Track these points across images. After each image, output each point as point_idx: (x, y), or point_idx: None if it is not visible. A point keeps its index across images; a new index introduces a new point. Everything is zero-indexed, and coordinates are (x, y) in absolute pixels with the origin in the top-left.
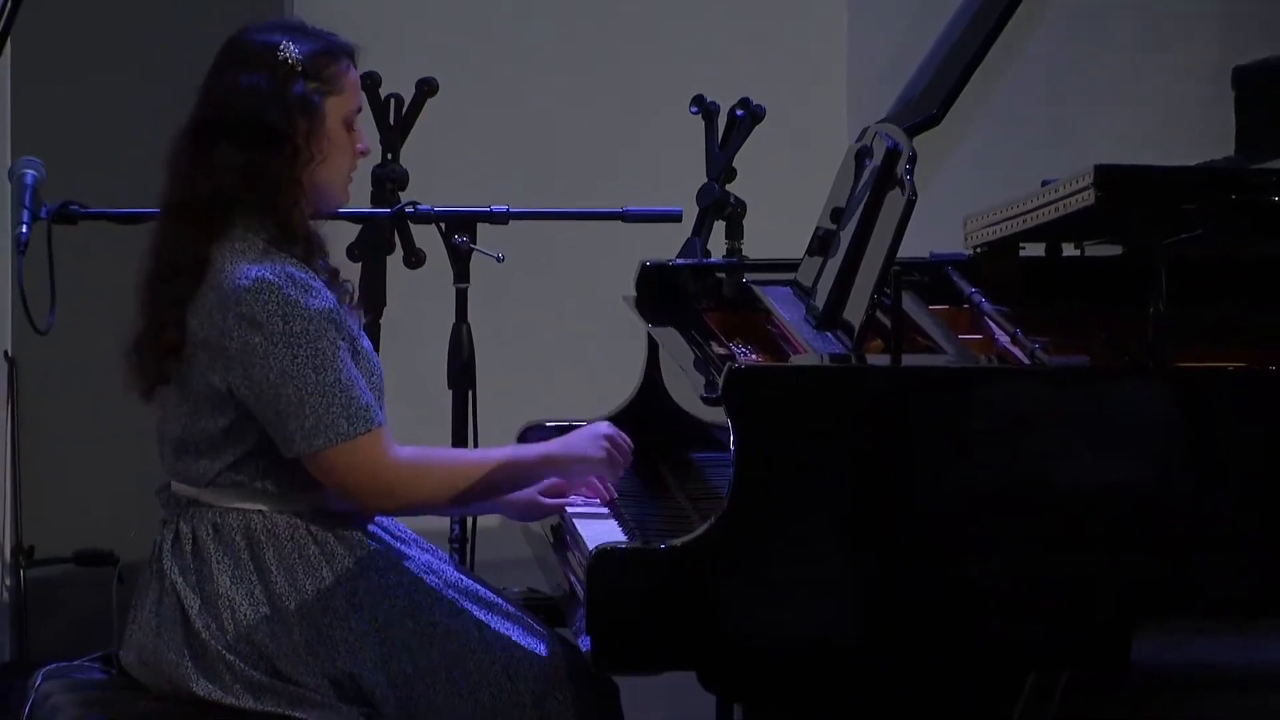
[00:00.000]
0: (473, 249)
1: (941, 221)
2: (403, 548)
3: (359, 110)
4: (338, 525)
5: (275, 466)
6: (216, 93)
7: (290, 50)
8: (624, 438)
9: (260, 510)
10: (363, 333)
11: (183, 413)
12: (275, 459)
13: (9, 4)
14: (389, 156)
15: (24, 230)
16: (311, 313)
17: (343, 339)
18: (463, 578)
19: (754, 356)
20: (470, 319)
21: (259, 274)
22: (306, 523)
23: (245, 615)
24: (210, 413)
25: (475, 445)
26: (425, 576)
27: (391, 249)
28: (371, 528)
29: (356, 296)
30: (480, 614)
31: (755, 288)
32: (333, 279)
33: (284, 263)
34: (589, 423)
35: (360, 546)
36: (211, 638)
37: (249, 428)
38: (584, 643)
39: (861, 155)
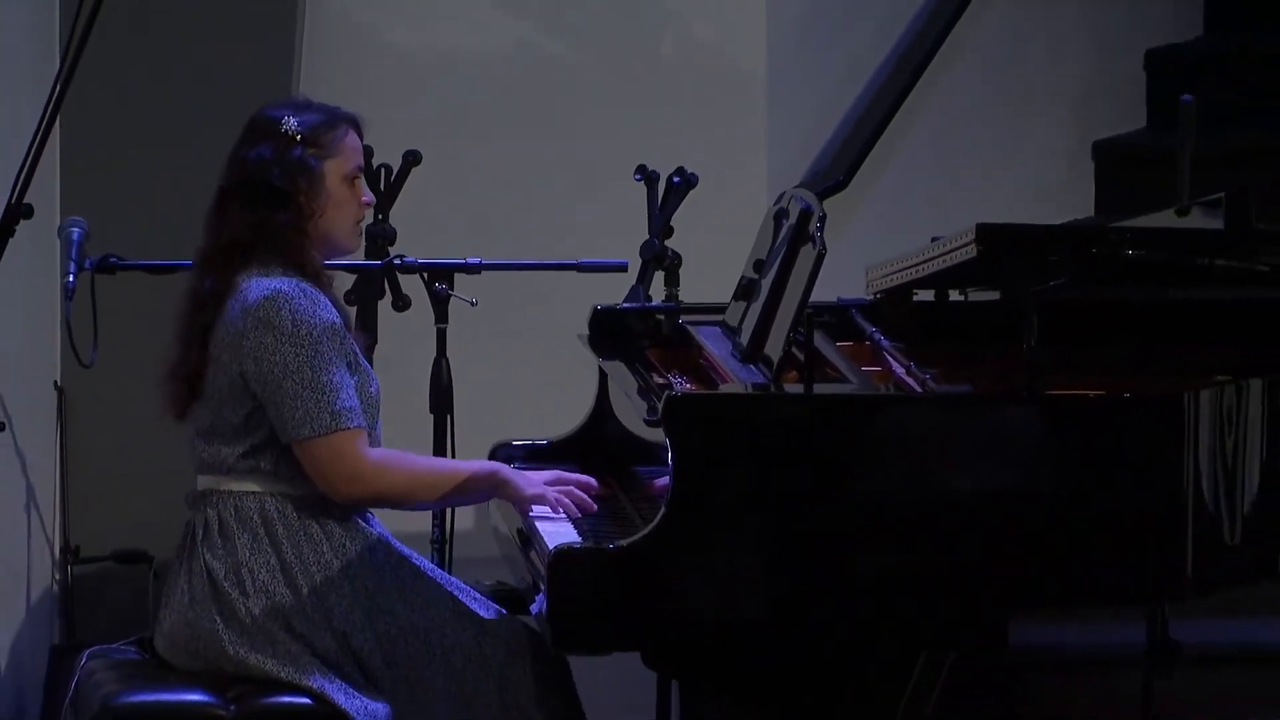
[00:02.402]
0: (450, 295)
1: (847, 271)
2: (390, 537)
3: (360, 168)
4: (336, 510)
5: (284, 454)
6: (234, 162)
7: (291, 123)
8: (579, 484)
9: (272, 494)
10: (363, 354)
11: (211, 407)
12: (284, 448)
13: (58, 86)
14: (380, 216)
15: (71, 279)
16: (317, 321)
17: (341, 350)
18: (438, 569)
19: (688, 386)
20: (448, 354)
21: (276, 285)
22: (311, 507)
23: (263, 580)
24: (232, 404)
25: (452, 458)
26: (411, 557)
27: (382, 295)
28: (367, 515)
29: (354, 326)
30: (455, 588)
31: (689, 327)
32: (339, 304)
33: (299, 279)
34: (550, 443)
35: (355, 528)
36: (238, 597)
37: (263, 419)
38: (544, 624)
39: (780, 215)
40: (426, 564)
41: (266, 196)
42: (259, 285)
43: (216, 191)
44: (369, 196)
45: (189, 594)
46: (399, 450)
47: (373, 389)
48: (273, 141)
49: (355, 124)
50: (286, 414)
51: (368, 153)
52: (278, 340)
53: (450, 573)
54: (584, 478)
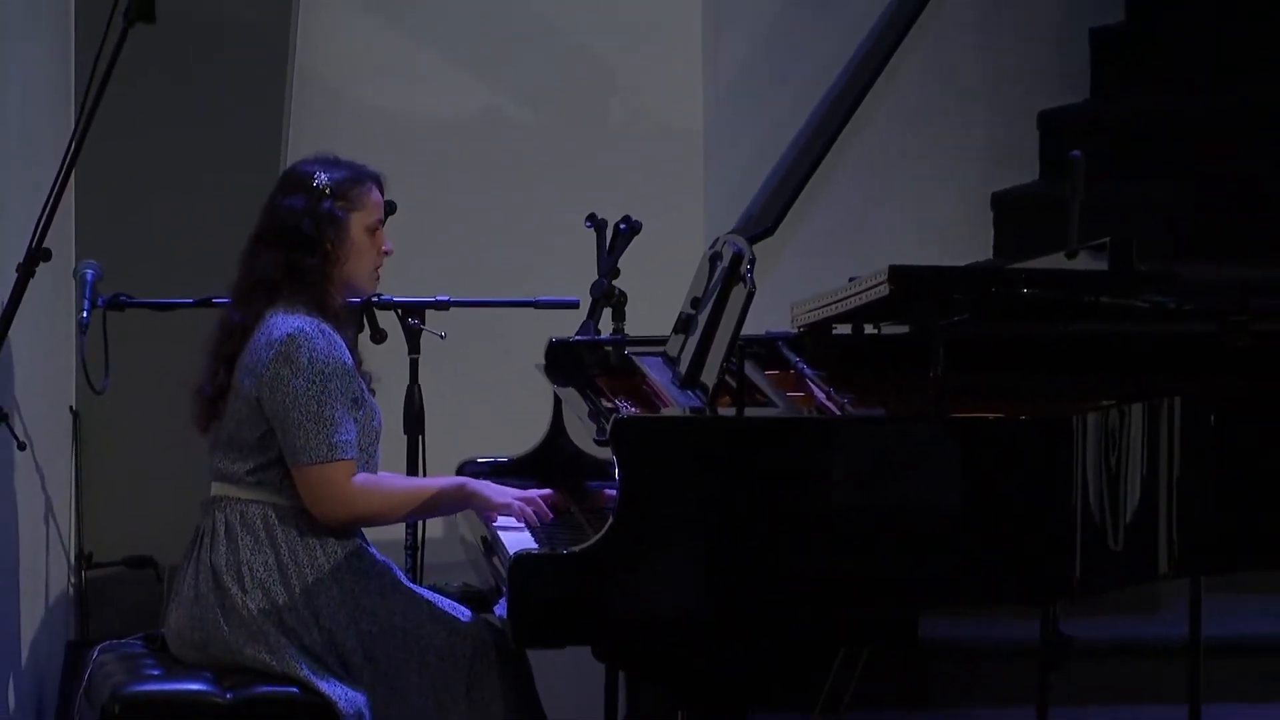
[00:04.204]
0: (422, 329)
1: (774, 307)
2: (374, 550)
3: (381, 221)
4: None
5: (289, 473)
6: (270, 210)
7: (322, 178)
8: (538, 498)
9: (275, 504)
10: (368, 390)
11: (230, 425)
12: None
13: (73, 144)
14: None
15: (84, 316)
16: (330, 361)
17: (348, 388)
18: (411, 582)
19: (633, 409)
20: (420, 381)
21: (299, 325)
22: (308, 518)
23: (260, 577)
24: (249, 425)
25: (424, 474)
26: (392, 568)
27: (362, 328)
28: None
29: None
30: (429, 596)
31: (634, 357)
32: (352, 347)
33: (320, 321)
34: (511, 460)
35: (346, 538)
36: (237, 593)
37: (274, 441)
38: (505, 622)
39: (714, 258)
40: (402, 575)
41: (297, 242)
42: (284, 322)
43: (253, 233)
44: (389, 245)
45: (195, 589)
46: (381, 474)
47: (375, 423)
48: (305, 194)
49: (378, 181)
50: (290, 440)
51: (388, 207)
52: (293, 374)
53: (421, 575)
54: (547, 492)
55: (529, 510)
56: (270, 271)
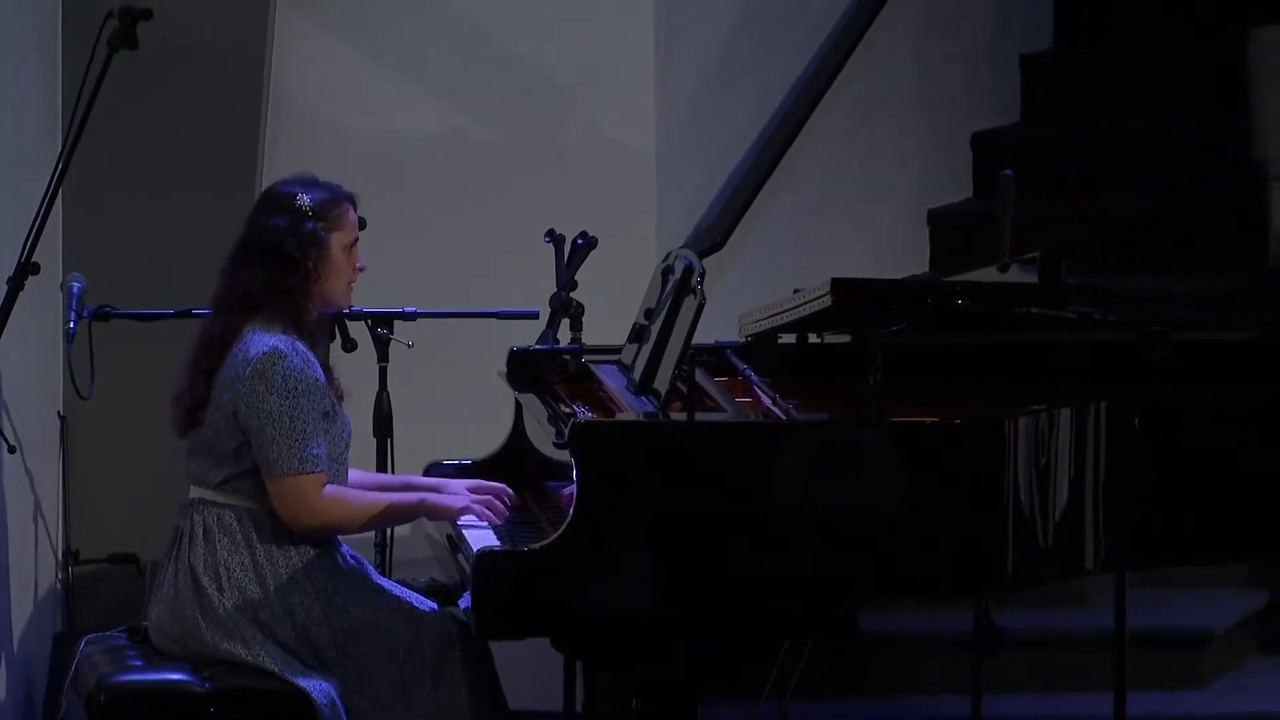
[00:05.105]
0: (391, 338)
1: (723, 318)
2: (346, 548)
3: (356, 240)
4: None
5: (264, 481)
6: (254, 228)
7: (304, 199)
8: (498, 495)
9: (250, 509)
10: (339, 404)
11: (208, 434)
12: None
13: (60, 165)
14: None
15: (71, 326)
16: (303, 378)
17: (320, 404)
18: (381, 576)
19: (590, 414)
20: (389, 387)
21: (274, 343)
22: (283, 521)
23: (237, 577)
24: (228, 434)
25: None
26: (363, 565)
27: (334, 338)
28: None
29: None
30: (398, 592)
31: (591, 365)
32: (325, 362)
33: (294, 340)
34: (474, 462)
35: (319, 541)
36: (214, 593)
37: (249, 452)
38: (470, 615)
39: (666, 271)
40: (372, 571)
41: (279, 261)
42: (260, 340)
43: (235, 249)
44: (363, 263)
45: (174, 588)
46: (353, 472)
47: (345, 434)
48: (289, 214)
49: (353, 201)
50: (265, 454)
51: (360, 224)
52: (268, 391)
53: (390, 571)
54: (500, 485)
55: (487, 511)
56: (253, 288)
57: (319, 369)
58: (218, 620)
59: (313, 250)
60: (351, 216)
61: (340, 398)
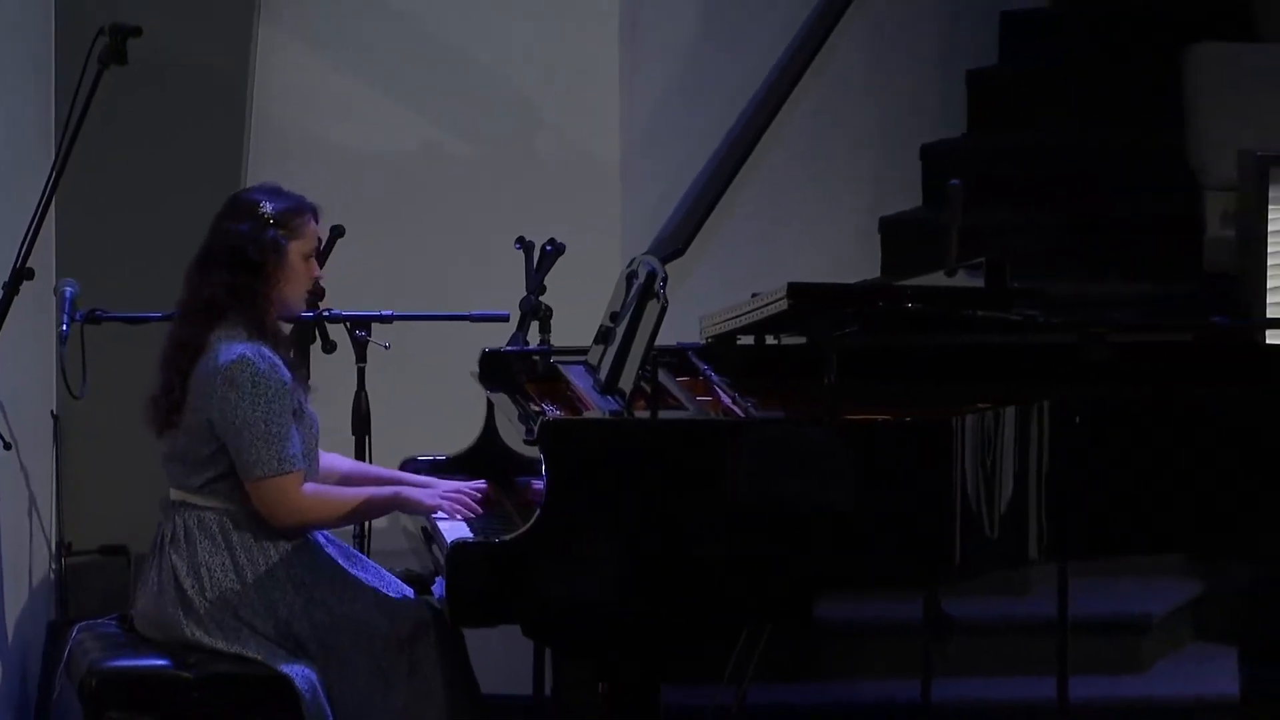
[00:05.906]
0: (369, 340)
1: (684, 320)
2: (325, 543)
3: (316, 249)
4: None
5: (241, 483)
6: (217, 233)
7: (267, 207)
8: (469, 491)
9: (229, 510)
10: (307, 400)
11: (185, 440)
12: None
13: (54, 174)
14: None
15: (64, 329)
16: (273, 382)
17: (291, 405)
18: (364, 558)
19: (558, 412)
20: (367, 387)
21: (241, 351)
22: (261, 521)
23: (218, 577)
24: (201, 441)
25: None
26: (340, 560)
27: (314, 340)
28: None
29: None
30: (374, 583)
31: (559, 366)
32: (291, 363)
33: (260, 345)
34: (448, 458)
35: (297, 537)
36: (195, 593)
37: (225, 457)
38: (444, 603)
39: (631, 276)
40: (346, 558)
41: (240, 264)
42: (228, 349)
43: (200, 252)
44: (319, 272)
45: (157, 585)
46: (321, 485)
47: (314, 430)
48: (251, 220)
49: (315, 213)
50: (243, 458)
51: (335, 231)
52: (239, 397)
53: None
54: (479, 484)
55: (458, 506)
56: (216, 291)
57: (284, 369)
58: (198, 618)
59: (272, 255)
60: (313, 227)
61: (307, 392)
